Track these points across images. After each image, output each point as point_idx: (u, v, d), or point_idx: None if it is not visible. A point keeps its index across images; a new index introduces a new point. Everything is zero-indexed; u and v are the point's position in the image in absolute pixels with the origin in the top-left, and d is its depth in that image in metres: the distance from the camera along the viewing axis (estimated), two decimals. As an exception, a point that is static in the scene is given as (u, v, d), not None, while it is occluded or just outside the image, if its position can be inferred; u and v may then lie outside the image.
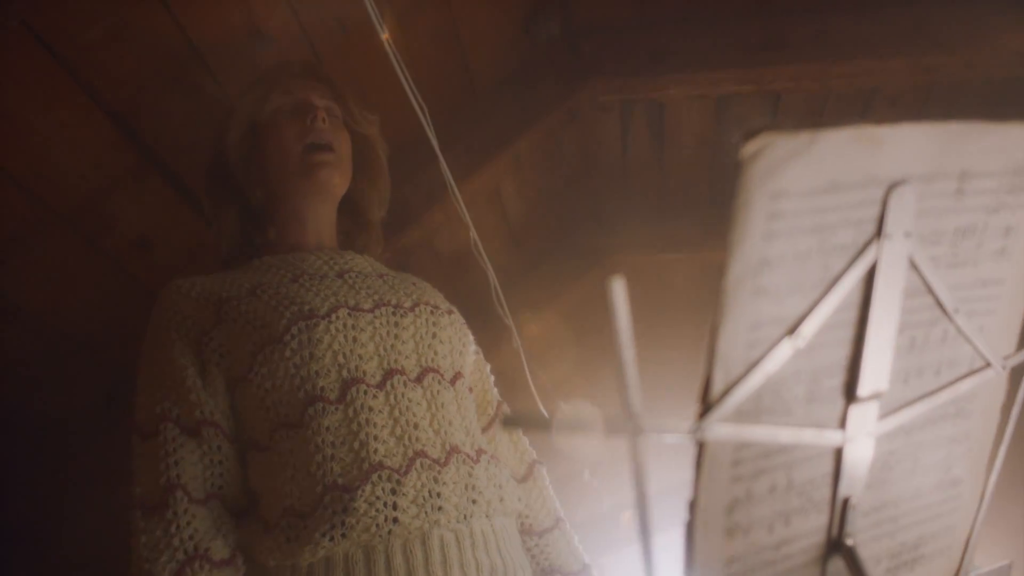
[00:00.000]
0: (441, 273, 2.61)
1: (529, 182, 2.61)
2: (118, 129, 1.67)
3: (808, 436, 0.68)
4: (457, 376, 1.43)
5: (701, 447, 0.63)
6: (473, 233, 2.06)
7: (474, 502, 1.28)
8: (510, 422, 0.47)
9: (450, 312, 1.48)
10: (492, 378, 1.63)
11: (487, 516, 1.31)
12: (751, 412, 0.64)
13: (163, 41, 1.63)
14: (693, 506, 0.65)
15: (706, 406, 0.62)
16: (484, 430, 1.53)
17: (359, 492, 1.19)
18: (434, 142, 1.75)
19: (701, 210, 3.05)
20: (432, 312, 1.42)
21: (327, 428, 1.24)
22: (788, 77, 2.24)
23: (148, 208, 1.83)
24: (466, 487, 1.28)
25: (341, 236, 1.59)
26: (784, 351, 0.64)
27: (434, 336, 1.40)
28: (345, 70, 1.92)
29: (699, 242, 3.06)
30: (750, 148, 0.57)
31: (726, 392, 0.62)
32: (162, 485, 1.23)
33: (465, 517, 1.27)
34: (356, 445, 1.24)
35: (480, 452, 1.36)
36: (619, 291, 0.57)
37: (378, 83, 1.88)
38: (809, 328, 0.65)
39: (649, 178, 2.91)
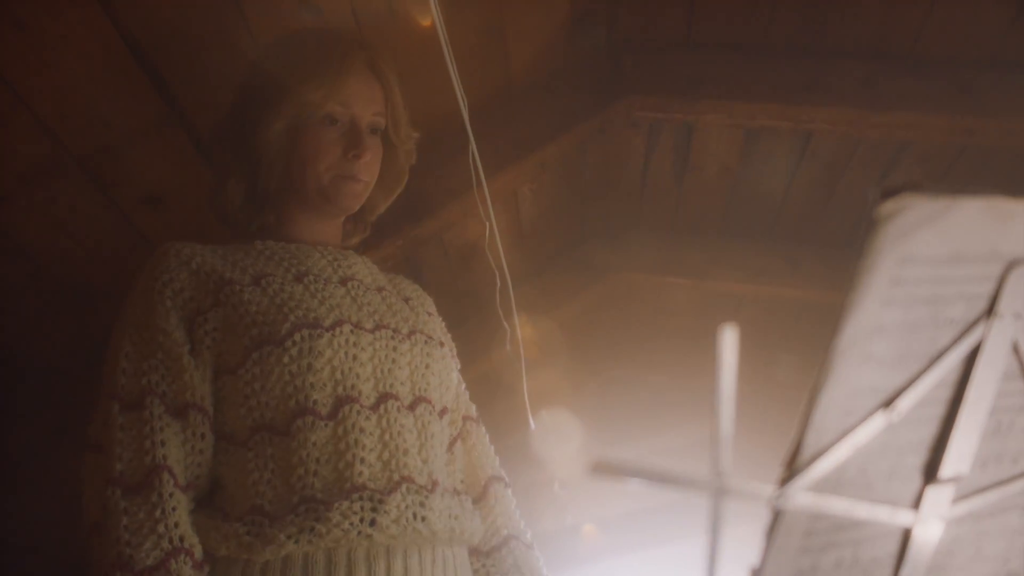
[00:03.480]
0: (447, 267, 2.58)
1: (547, 189, 2.57)
2: (148, 78, 1.61)
3: (882, 514, 0.64)
4: (444, 410, 1.42)
5: (778, 514, 0.59)
6: (494, 233, 2.02)
7: (453, 531, 1.27)
8: (599, 469, 0.43)
9: (441, 345, 1.46)
10: (467, 394, 1.60)
11: (452, 543, 1.30)
12: (833, 483, 0.61)
13: (209, -7, 1.58)
14: (758, 574, 0.61)
15: (792, 472, 0.58)
16: (448, 447, 1.49)
17: (335, 506, 1.16)
18: (472, 141, 1.71)
19: (712, 239, 3.03)
20: (427, 343, 1.40)
21: (314, 443, 1.20)
22: (825, 119, 2.21)
23: (165, 163, 1.77)
24: (450, 516, 1.26)
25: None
26: (878, 423, 0.60)
27: (427, 367, 1.37)
28: (386, 48, 1.87)
29: (705, 271, 3.04)
30: (887, 208, 0.53)
31: (814, 460, 0.58)
32: (147, 465, 1.16)
33: (439, 542, 1.26)
34: (341, 465, 1.20)
35: (456, 491, 1.38)
36: (730, 341, 0.53)
37: (415, 69, 1.83)
38: (906, 402, 0.61)
39: (665, 200, 2.88)
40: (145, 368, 1.23)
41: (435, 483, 1.27)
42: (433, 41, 1.97)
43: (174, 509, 1.15)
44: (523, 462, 2.59)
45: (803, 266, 2.98)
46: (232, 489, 1.23)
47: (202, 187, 1.84)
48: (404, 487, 1.21)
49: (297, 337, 1.23)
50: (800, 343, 3.55)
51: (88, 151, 1.64)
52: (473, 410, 1.59)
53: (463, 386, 1.58)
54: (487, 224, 2.04)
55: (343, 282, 1.39)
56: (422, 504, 1.21)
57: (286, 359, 1.22)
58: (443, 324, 1.62)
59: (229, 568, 1.17)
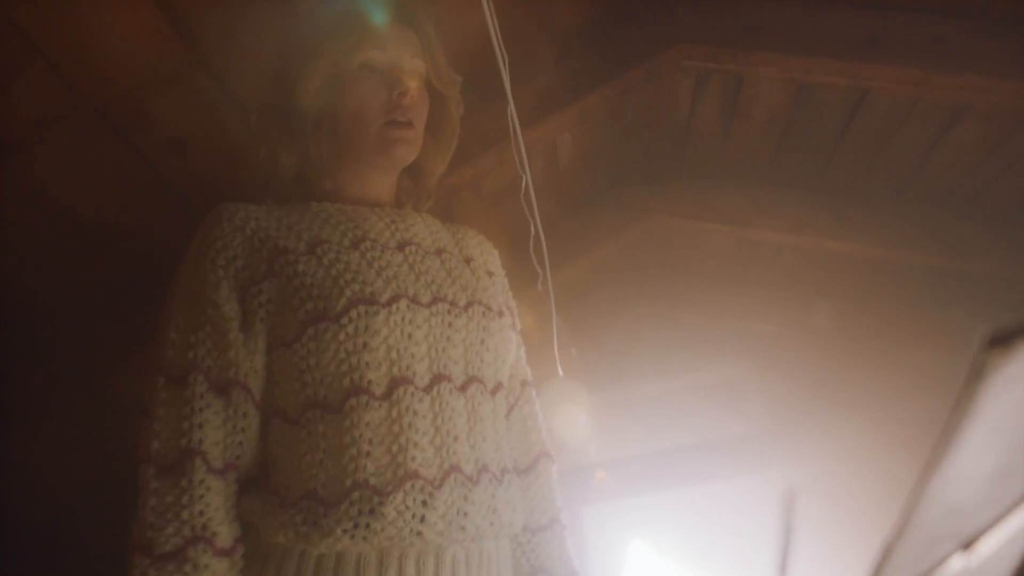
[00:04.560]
0: (481, 209, 2.50)
1: (587, 134, 2.46)
2: (171, 25, 1.53)
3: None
4: (498, 387, 1.35)
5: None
6: (529, 186, 1.93)
7: (491, 524, 1.23)
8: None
9: (500, 314, 1.37)
10: (524, 358, 1.54)
11: (496, 538, 1.27)
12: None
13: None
14: None
15: (854, 624, 0.52)
16: (505, 416, 1.44)
17: (390, 498, 1.13)
18: (510, 102, 1.61)
19: (756, 187, 2.92)
20: (484, 315, 1.32)
21: (367, 423, 1.16)
22: (887, 78, 2.08)
23: (189, 109, 1.70)
24: (489, 509, 1.22)
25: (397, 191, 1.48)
26: (955, 567, 0.53)
27: (482, 343, 1.31)
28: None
29: (747, 219, 2.94)
30: (996, 357, 0.45)
31: (880, 611, 0.52)
32: (182, 447, 1.15)
33: (481, 538, 1.22)
34: (395, 448, 1.16)
35: (504, 471, 1.30)
36: (792, 504, 0.45)
37: (454, 8, 1.73)
38: (987, 545, 0.54)
39: (709, 146, 2.77)
40: (192, 341, 1.21)
41: (481, 470, 1.24)
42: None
43: (202, 496, 1.14)
44: (550, 403, 2.56)
45: (849, 219, 2.86)
46: (287, 472, 1.20)
47: (226, 132, 1.78)
48: (452, 477, 1.18)
49: (353, 314, 1.19)
50: (839, 290, 3.46)
51: (107, 97, 1.57)
52: (529, 374, 1.54)
53: (522, 349, 1.52)
54: (523, 177, 1.96)
55: (401, 247, 1.33)
56: (465, 498, 1.19)
57: (342, 336, 1.18)
58: (505, 282, 1.56)
59: (285, 558, 1.16)
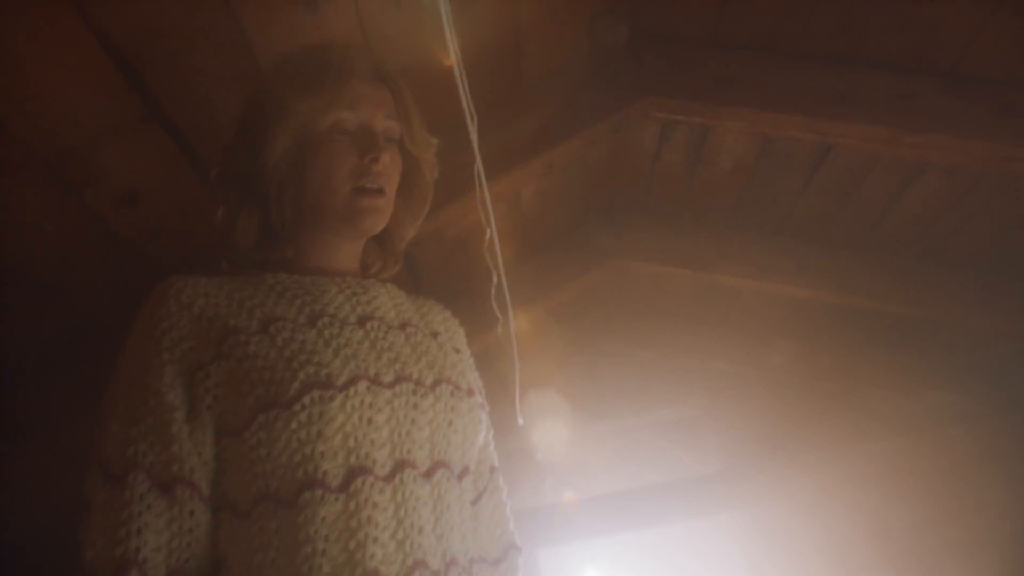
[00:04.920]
0: (441, 256, 2.45)
1: (551, 181, 2.42)
2: (125, 78, 1.45)
3: None
4: (465, 471, 1.27)
5: None
6: (494, 239, 1.87)
7: None
8: None
9: (470, 393, 1.30)
10: (492, 442, 1.47)
11: None
12: None
13: (194, -10, 1.41)
14: None
15: None
16: (472, 502, 1.37)
17: None
18: (478, 159, 1.55)
19: (718, 232, 2.91)
20: (452, 394, 1.25)
21: (323, 519, 1.07)
22: (856, 135, 2.06)
23: (142, 162, 1.61)
24: None
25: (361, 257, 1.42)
26: None
27: (450, 424, 1.23)
28: (390, 46, 1.71)
29: (710, 263, 2.92)
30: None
31: None
32: (118, 558, 1.04)
33: None
34: (352, 545, 1.06)
35: (473, 562, 1.23)
36: None
37: (421, 61, 1.67)
38: None
39: (673, 190, 2.75)
40: (133, 435, 1.11)
41: (449, 564, 1.15)
42: (436, 27, 1.80)
43: None
44: (510, 435, 2.52)
45: (811, 265, 2.86)
46: (237, 570, 1.10)
47: (180, 185, 1.71)
48: (417, 574, 1.09)
49: (307, 400, 1.10)
50: (798, 331, 3.46)
51: (55, 152, 1.48)
52: (496, 460, 1.46)
53: (491, 433, 1.44)
54: (487, 231, 1.90)
55: (362, 322, 1.24)
56: None
57: (294, 424, 1.09)
58: (472, 361, 1.48)
59: None
